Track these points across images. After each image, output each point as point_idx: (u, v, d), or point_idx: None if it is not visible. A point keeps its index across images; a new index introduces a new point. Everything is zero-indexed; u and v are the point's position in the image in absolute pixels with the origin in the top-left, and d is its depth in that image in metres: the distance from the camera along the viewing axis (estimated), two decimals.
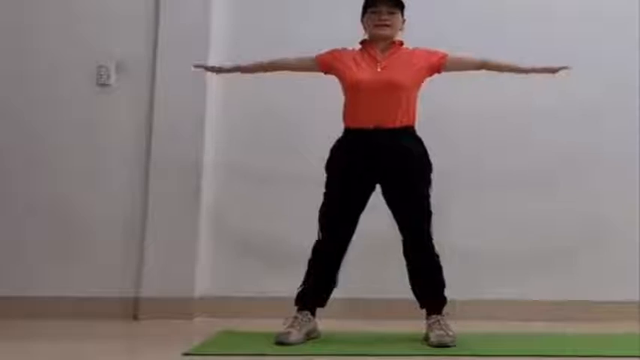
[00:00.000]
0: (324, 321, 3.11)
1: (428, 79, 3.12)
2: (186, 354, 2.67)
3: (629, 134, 3.88)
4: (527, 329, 3.34)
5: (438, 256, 3.03)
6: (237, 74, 3.34)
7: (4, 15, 3.83)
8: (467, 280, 3.54)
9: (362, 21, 3.14)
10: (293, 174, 3.81)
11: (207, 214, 3.77)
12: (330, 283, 3.05)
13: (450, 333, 2.93)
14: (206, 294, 3.70)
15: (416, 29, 3.16)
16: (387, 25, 3.06)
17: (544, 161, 3.86)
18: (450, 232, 3.37)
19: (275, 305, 3.46)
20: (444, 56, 3.09)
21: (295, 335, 2.91)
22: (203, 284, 3.71)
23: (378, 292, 3.67)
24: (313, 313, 3.04)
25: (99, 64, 3.80)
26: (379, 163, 2.98)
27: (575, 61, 3.16)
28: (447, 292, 3.06)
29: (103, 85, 3.81)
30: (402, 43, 3.13)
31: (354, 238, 3.06)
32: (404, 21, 3.13)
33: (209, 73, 3.51)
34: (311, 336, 3.00)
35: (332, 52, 3.13)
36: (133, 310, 3.64)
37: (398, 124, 2.99)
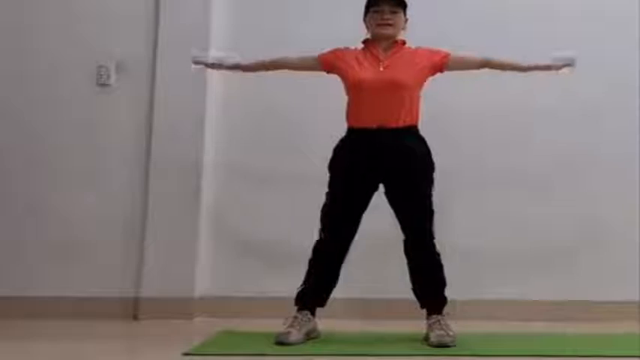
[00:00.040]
0: (324, 321, 3.11)
1: (430, 79, 3.12)
2: (186, 354, 2.67)
3: (629, 134, 3.88)
4: (527, 329, 3.34)
5: (439, 255, 3.03)
6: (238, 73, 3.33)
7: (4, 15, 3.83)
8: (467, 279, 3.54)
9: (364, 20, 3.13)
10: (293, 174, 3.81)
11: (207, 214, 3.77)
12: (331, 283, 3.05)
13: (450, 333, 2.93)
14: (206, 294, 3.70)
15: (418, 28, 3.15)
16: (390, 25, 3.06)
17: (544, 161, 3.86)
18: (450, 231, 3.36)
19: (275, 305, 3.46)
20: (447, 55, 3.09)
21: (295, 335, 2.91)
22: (203, 284, 3.71)
23: (378, 292, 3.67)
24: (313, 313, 3.04)
25: (99, 64, 3.80)
26: (382, 162, 2.98)
27: (577, 61, 3.15)
28: (447, 292, 3.06)
29: (103, 85, 3.81)
30: (404, 43, 3.12)
31: (355, 238, 3.06)
32: (406, 20, 3.13)
33: (209, 70, 3.51)
34: (311, 336, 3.00)
35: (334, 52, 3.13)
36: (133, 310, 3.64)
37: (401, 124, 2.99)
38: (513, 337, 3.11)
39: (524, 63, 3.12)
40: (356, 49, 3.13)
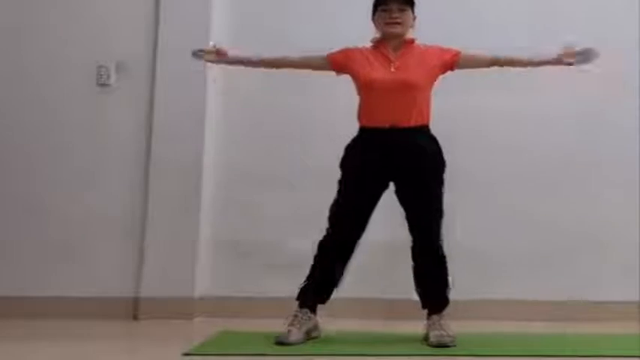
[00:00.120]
0: (324, 320, 3.10)
1: (441, 77, 3.10)
2: (186, 354, 2.67)
3: (629, 134, 3.88)
4: (527, 329, 3.34)
5: (444, 257, 3.03)
6: (239, 72, 3.32)
7: (4, 15, 3.83)
8: (467, 280, 3.53)
9: (372, 19, 3.11)
10: (293, 174, 3.81)
11: (207, 214, 3.77)
12: (335, 280, 3.04)
13: (450, 333, 2.93)
14: (206, 294, 3.70)
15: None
16: (398, 23, 3.04)
17: (544, 161, 3.86)
18: (450, 231, 3.35)
19: (275, 305, 3.46)
20: (457, 54, 3.08)
21: (295, 335, 2.91)
22: (203, 284, 3.71)
23: (378, 292, 3.67)
24: (313, 311, 3.04)
25: (99, 64, 3.80)
26: (393, 161, 2.98)
27: (592, 55, 3.12)
28: (448, 293, 3.06)
29: (103, 85, 3.81)
30: (413, 41, 3.11)
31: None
32: (414, 18, 3.11)
33: (209, 69, 3.50)
34: (312, 335, 3.00)
35: (345, 51, 3.11)
36: (133, 310, 3.64)
37: (413, 123, 2.99)
38: (513, 337, 3.11)
39: (535, 59, 3.09)
40: (364, 47, 3.12)
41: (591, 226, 3.81)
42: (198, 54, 3.17)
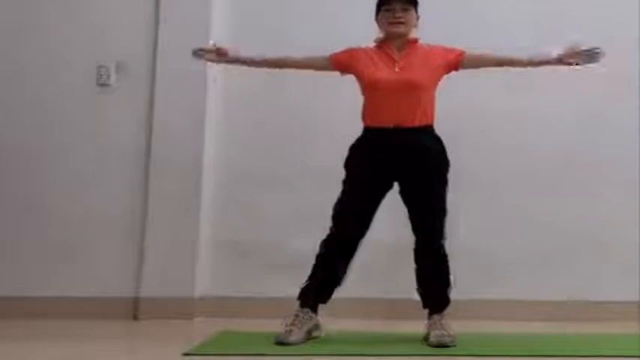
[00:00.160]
0: (325, 320, 3.10)
1: (445, 77, 3.10)
2: (186, 354, 2.67)
3: (629, 134, 3.88)
4: (527, 329, 3.34)
5: (447, 257, 3.03)
6: (239, 71, 3.32)
7: (4, 15, 3.83)
8: (467, 279, 3.53)
9: (376, 19, 3.11)
10: (293, 174, 3.81)
11: (207, 214, 3.77)
12: (337, 280, 3.04)
13: (450, 333, 2.93)
14: (206, 294, 3.70)
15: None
16: (402, 23, 3.04)
17: (547, 161, 3.86)
18: (454, 231, 3.34)
19: (275, 305, 3.46)
20: (462, 53, 3.08)
21: (295, 335, 2.91)
22: (203, 284, 3.71)
23: (378, 292, 3.67)
24: (315, 310, 3.04)
25: (99, 64, 3.80)
26: (397, 161, 2.98)
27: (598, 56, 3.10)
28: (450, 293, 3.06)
29: (103, 85, 3.81)
30: (416, 41, 3.10)
31: None
32: (418, 18, 3.10)
33: (209, 69, 3.50)
34: (312, 334, 3.00)
35: (349, 51, 3.11)
36: (133, 310, 3.64)
37: (417, 123, 2.99)
38: (513, 337, 3.11)
39: (535, 58, 3.08)
40: (368, 47, 3.11)
41: (591, 226, 3.81)
42: (198, 53, 3.16)
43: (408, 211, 3.03)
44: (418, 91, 2.99)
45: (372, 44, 3.12)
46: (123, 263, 3.69)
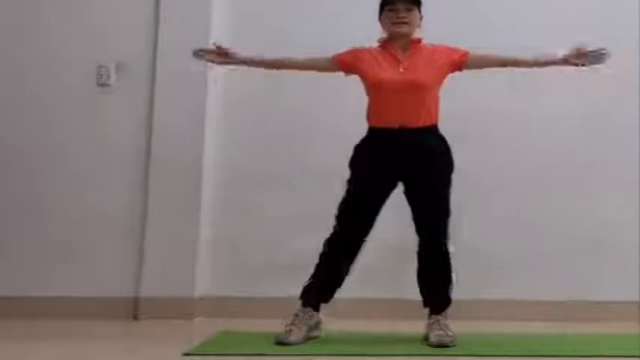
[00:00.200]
0: (327, 319, 3.10)
1: (449, 76, 3.10)
2: (186, 354, 2.67)
3: (629, 135, 3.88)
4: (527, 329, 3.34)
5: (449, 257, 3.03)
6: (240, 71, 3.31)
7: (4, 15, 3.83)
8: (467, 280, 3.52)
9: (379, 19, 3.11)
10: (293, 174, 3.81)
11: (207, 214, 3.77)
12: (339, 279, 3.04)
13: (450, 333, 2.93)
14: (206, 294, 3.70)
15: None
16: (405, 23, 3.04)
17: (546, 162, 3.86)
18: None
19: (275, 305, 3.46)
20: (466, 54, 3.08)
21: (295, 335, 2.91)
22: (203, 284, 3.71)
23: (378, 292, 3.67)
24: (317, 309, 3.03)
25: (99, 64, 3.80)
26: (402, 161, 2.99)
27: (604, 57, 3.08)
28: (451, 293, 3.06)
29: (103, 85, 3.81)
30: (420, 41, 3.10)
31: None
32: (421, 17, 3.10)
33: (209, 69, 3.49)
34: (313, 333, 2.99)
35: (353, 52, 3.11)
36: (133, 310, 3.64)
37: (421, 124, 3.00)
38: (513, 338, 3.11)
39: (540, 59, 3.08)
40: (371, 47, 3.11)
41: (592, 226, 3.81)
42: (199, 54, 3.16)
43: (412, 210, 3.03)
44: (422, 91, 2.99)
45: (373, 44, 3.12)
46: (123, 263, 3.69)
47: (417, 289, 3.07)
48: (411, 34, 3.08)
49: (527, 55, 3.09)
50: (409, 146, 2.98)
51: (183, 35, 3.71)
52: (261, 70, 3.25)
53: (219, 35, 3.74)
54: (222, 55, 3.15)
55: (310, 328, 2.99)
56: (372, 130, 3.05)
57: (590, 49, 3.00)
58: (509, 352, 2.78)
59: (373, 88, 3.04)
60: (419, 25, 3.10)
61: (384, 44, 3.10)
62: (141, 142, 3.76)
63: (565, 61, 3.04)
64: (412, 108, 2.98)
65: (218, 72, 3.72)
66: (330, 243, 3.02)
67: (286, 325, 2.94)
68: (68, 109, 3.80)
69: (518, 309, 3.67)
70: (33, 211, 3.72)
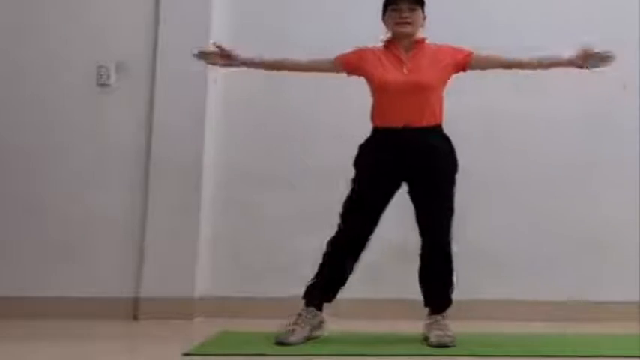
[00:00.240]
0: (329, 320, 3.09)
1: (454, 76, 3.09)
2: (186, 354, 2.67)
3: (629, 135, 3.88)
4: (527, 329, 3.34)
5: (452, 257, 3.02)
6: (241, 71, 3.30)
7: (4, 15, 3.83)
8: (467, 280, 3.52)
9: (383, 19, 3.11)
10: (293, 174, 3.81)
11: (207, 214, 3.77)
12: (343, 278, 3.03)
13: (450, 333, 2.93)
14: (206, 294, 3.70)
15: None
16: (409, 23, 3.03)
17: (547, 163, 3.86)
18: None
19: (275, 305, 3.46)
20: (470, 54, 3.07)
21: (296, 335, 2.90)
22: (203, 284, 3.71)
23: (378, 292, 3.67)
24: (320, 309, 3.03)
25: (99, 64, 3.80)
26: (406, 160, 2.99)
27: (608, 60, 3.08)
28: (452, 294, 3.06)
29: (103, 85, 3.81)
30: (424, 41, 3.09)
31: None
32: (425, 17, 3.10)
33: (210, 68, 3.49)
34: (315, 332, 2.98)
35: (357, 53, 3.10)
36: (133, 310, 3.64)
37: (425, 123, 3.00)
38: (513, 338, 3.11)
39: (545, 60, 3.07)
40: (375, 47, 3.10)
41: (592, 227, 3.81)
42: (200, 55, 3.15)
43: (416, 210, 3.03)
44: (427, 92, 3.00)
45: (373, 44, 3.11)
46: (123, 263, 3.69)
47: (419, 289, 3.07)
48: (415, 34, 3.07)
49: (532, 57, 3.08)
50: (413, 146, 2.98)
51: (183, 35, 3.71)
52: (261, 71, 3.24)
53: (219, 35, 3.74)
54: (225, 57, 3.14)
55: (313, 328, 2.99)
56: (376, 130, 3.05)
57: (596, 51, 2.99)
58: (509, 352, 2.78)
59: (378, 89, 3.04)
60: (422, 25, 3.10)
61: (388, 44, 3.10)
62: (141, 142, 3.76)
63: (570, 62, 3.04)
64: (416, 108, 2.99)
65: (218, 72, 3.72)
66: (334, 242, 3.01)
67: (288, 325, 2.94)
68: (68, 109, 3.80)
69: (518, 309, 3.67)
70: (33, 211, 3.72)
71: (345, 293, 3.08)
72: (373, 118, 3.07)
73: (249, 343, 2.93)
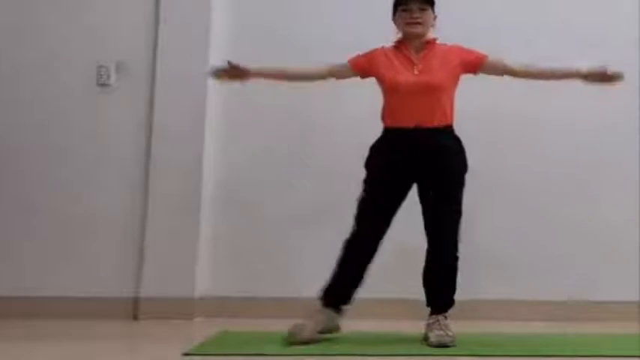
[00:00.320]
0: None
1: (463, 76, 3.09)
2: (186, 354, 2.67)
3: (629, 135, 3.88)
4: (527, 329, 3.34)
5: (457, 258, 3.02)
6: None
7: (4, 15, 3.83)
8: (467, 280, 3.52)
9: (393, 20, 3.10)
10: (294, 174, 3.81)
11: (207, 214, 3.77)
12: (360, 279, 3.02)
13: (450, 333, 2.93)
14: (206, 294, 3.70)
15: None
16: (419, 23, 3.03)
17: (544, 162, 3.86)
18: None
19: (275, 305, 3.46)
20: (484, 57, 3.07)
21: (308, 332, 2.88)
22: (203, 284, 3.71)
23: (378, 292, 3.66)
24: (337, 311, 3.01)
25: (99, 64, 3.81)
26: (417, 161, 2.99)
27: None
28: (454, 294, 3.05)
29: (103, 85, 3.81)
30: (434, 41, 3.09)
31: None
32: (435, 17, 3.09)
33: (209, 63, 3.48)
34: (327, 329, 2.97)
35: (368, 55, 3.10)
36: (133, 310, 3.64)
37: (436, 124, 2.99)
38: (513, 338, 3.11)
39: (558, 72, 3.09)
40: (386, 48, 3.09)
41: (591, 226, 3.81)
42: (217, 74, 3.10)
43: (424, 211, 3.02)
44: (438, 92, 2.99)
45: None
46: (123, 263, 3.69)
47: (421, 289, 3.06)
48: (425, 34, 3.07)
49: (542, 68, 3.09)
50: (424, 146, 2.98)
51: (183, 35, 3.72)
52: None
53: (219, 35, 3.75)
54: (241, 75, 3.06)
55: (325, 329, 2.97)
56: (387, 131, 3.05)
57: (610, 73, 3.01)
58: (510, 352, 2.77)
59: (389, 90, 3.03)
60: (433, 25, 3.09)
61: (399, 45, 3.09)
62: (141, 142, 3.77)
63: (584, 77, 3.05)
64: (427, 108, 2.98)
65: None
66: (349, 244, 3.00)
67: (297, 325, 2.91)
68: (68, 109, 3.80)
69: (518, 309, 3.67)
70: (33, 211, 3.72)
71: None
72: (384, 118, 3.07)
73: (249, 343, 2.93)
